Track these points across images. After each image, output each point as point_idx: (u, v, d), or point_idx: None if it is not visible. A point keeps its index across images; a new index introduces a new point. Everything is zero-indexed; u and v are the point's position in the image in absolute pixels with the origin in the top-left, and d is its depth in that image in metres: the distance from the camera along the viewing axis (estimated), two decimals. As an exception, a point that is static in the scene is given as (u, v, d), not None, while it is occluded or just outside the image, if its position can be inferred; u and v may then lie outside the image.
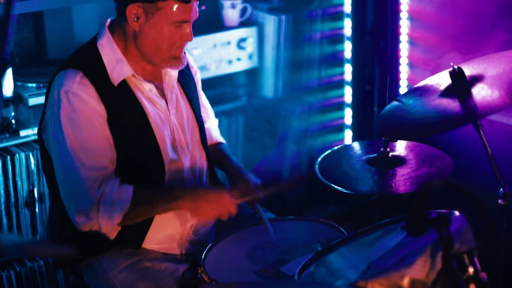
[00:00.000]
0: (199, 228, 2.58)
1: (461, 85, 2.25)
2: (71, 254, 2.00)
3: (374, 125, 2.35)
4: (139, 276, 2.42)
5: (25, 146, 3.12)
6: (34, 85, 3.13)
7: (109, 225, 2.35)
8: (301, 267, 1.97)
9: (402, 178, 2.37)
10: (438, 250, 1.74)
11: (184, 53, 2.48)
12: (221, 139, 2.84)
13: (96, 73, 2.38)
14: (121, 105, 2.40)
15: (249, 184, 2.56)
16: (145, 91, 2.44)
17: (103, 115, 2.37)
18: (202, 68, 3.52)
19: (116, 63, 2.39)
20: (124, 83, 2.41)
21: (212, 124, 2.83)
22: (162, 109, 2.47)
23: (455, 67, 2.27)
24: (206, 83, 3.43)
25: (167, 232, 2.53)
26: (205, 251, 2.36)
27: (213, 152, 2.74)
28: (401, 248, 1.86)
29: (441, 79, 2.40)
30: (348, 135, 3.97)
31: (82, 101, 2.33)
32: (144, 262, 2.46)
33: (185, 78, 2.61)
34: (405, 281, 1.72)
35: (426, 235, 1.76)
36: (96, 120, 2.35)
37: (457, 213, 1.86)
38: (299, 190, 3.92)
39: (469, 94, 2.21)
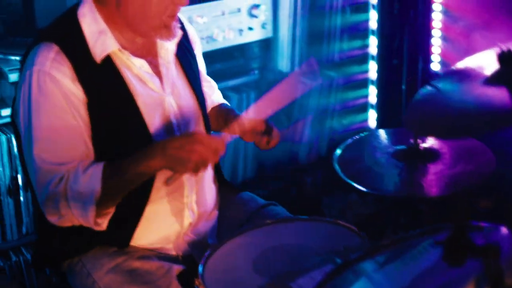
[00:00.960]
0: (199, 226, 2.38)
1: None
2: None
3: (403, 117, 2.09)
4: (126, 278, 2.23)
5: (7, 127, 2.96)
6: (17, 58, 2.96)
7: (86, 218, 2.13)
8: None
9: (434, 177, 2.24)
10: (485, 285, 1.46)
11: (180, 21, 2.31)
12: (223, 101, 2.67)
13: (74, 47, 2.17)
14: (104, 86, 2.19)
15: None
16: (135, 67, 2.23)
17: (81, 98, 2.15)
18: (209, 38, 3.42)
19: (99, 36, 2.18)
20: (108, 59, 2.19)
21: (216, 97, 2.66)
22: (156, 88, 2.26)
23: (504, 47, 1.96)
24: (213, 55, 3.41)
25: (161, 232, 2.32)
26: (204, 258, 2.13)
27: (214, 113, 2.56)
28: (436, 275, 1.59)
29: (485, 61, 2.13)
30: (372, 115, 3.91)
31: (54, 82, 2.13)
32: (132, 262, 2.26)
33: (184, 52, 2.39)
34: (442, 324, 1.45)
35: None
36: (69, 106, 2.14)
37: (504, 230, 1.58)
38: (318, 174, 3.83)
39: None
